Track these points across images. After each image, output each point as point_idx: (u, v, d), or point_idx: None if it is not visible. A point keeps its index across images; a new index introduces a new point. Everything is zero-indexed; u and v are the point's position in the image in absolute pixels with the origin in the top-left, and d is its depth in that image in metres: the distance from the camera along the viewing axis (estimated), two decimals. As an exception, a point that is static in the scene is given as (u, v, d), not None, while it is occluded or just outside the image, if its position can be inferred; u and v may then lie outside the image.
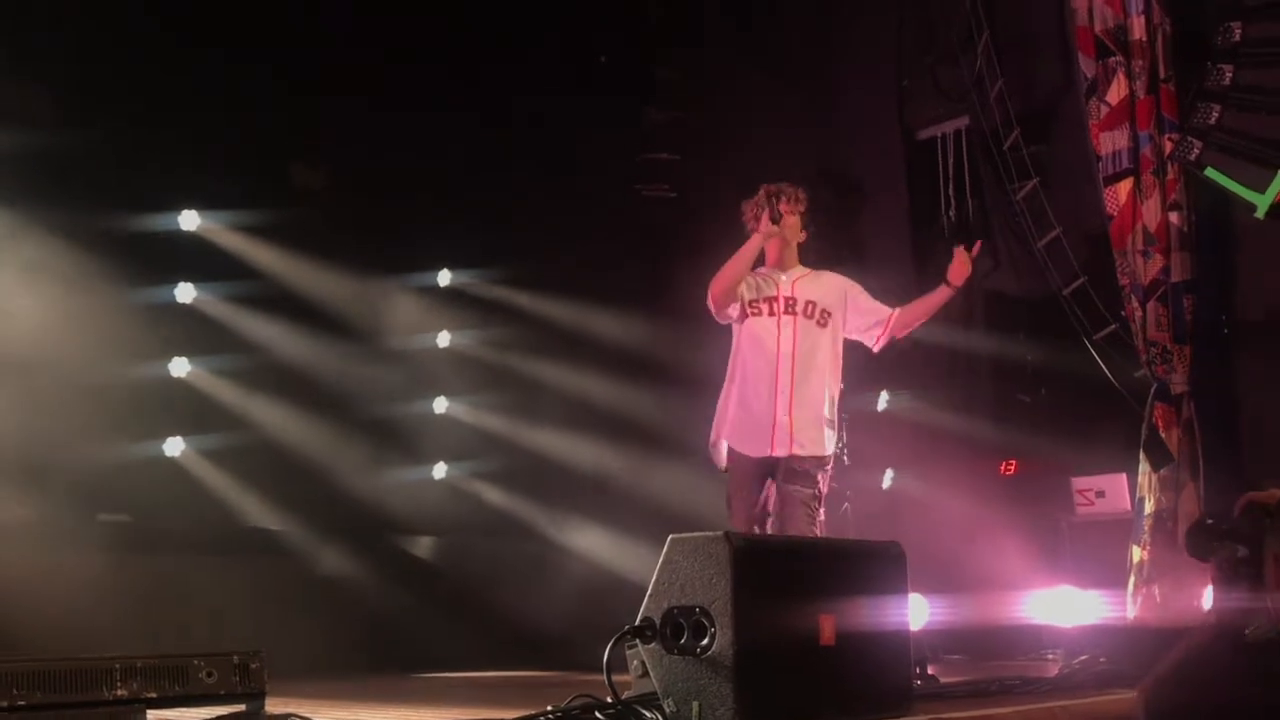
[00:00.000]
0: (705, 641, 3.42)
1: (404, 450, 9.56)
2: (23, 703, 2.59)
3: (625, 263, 10.35)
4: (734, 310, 5.49)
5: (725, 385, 5.56)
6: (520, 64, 9.73)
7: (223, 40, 8.17)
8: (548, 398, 9.83)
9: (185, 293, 8.75)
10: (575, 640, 7.00)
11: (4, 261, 7.60)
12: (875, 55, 9.65)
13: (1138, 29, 7.40)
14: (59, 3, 7.63)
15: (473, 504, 9.76)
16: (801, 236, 5.69)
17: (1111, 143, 7.50)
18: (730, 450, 5.47)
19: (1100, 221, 7.67)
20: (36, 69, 7.58)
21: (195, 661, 2.93)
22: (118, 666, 2.74)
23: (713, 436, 5.53)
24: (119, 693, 2.72)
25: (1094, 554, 7.50)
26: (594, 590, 8.70)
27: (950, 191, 9.15)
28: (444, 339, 10.11)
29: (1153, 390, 7.39)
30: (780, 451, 5.39)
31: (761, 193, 5.67)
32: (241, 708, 3.02)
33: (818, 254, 5.86)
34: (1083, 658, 5.57)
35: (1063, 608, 7.29)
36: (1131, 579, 7.19)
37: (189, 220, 8.75)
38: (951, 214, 9.15)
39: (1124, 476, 7.61)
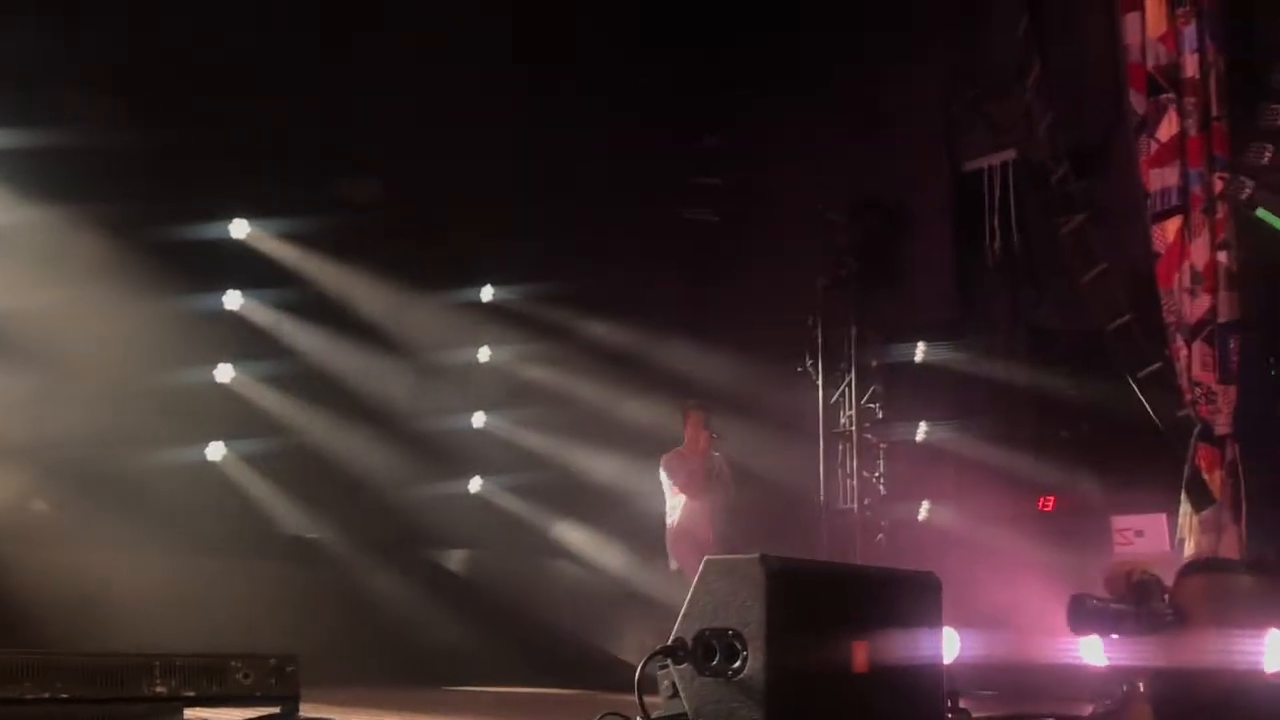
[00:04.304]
0: (737, 664, 3.42)
1: (441, 463, 9.62)
2: (65, 695, 2.64)
3: (667, 283, 10.39)
4: None
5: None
6: (572, 85, 9.82)
7: (279, 51, 8.29)
8: (584, 415, 9.87)
9: (233, 299, 8.88)
10: (605, 658, 7.01)
11: (58, 265, 7.73)
12: (923, 86, 9.65)
13: (1190, 66, 7.34)
14: (119, 10, 7.77)
15: (506, 518, 9.80)
16: None
17: (1161, 180, 7.43)
18: None
19: (1147, 259, 7.60)
20: (95, 72, 7.73)
21: (233, 663, 2.97)
22: (157, 664, 2.79)
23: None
24: (158, 690, 2.77)
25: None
26: (622, 609, 8.70)
27: (996, 223, 9.11)
28: (484, 354, 10.19)
29: (1196, 431, 7.29)
30: None
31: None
32: (276, 710, 3.05)
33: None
34: (1118, 697, 5.49)
35: (1098, 647, 7.19)
36: (1170, 621, 7.10)
37: (239, 228, 8.88)
38: (997, 246, 9.10)
39: (1164, 517, 7.51)
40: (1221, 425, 7.24)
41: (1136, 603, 3.31)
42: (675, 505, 7.97)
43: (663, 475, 8.05)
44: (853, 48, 10.09)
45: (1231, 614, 2.94)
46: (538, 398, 9.98)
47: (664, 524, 8.04)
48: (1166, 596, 3.11)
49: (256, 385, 8.81)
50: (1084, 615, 3.65)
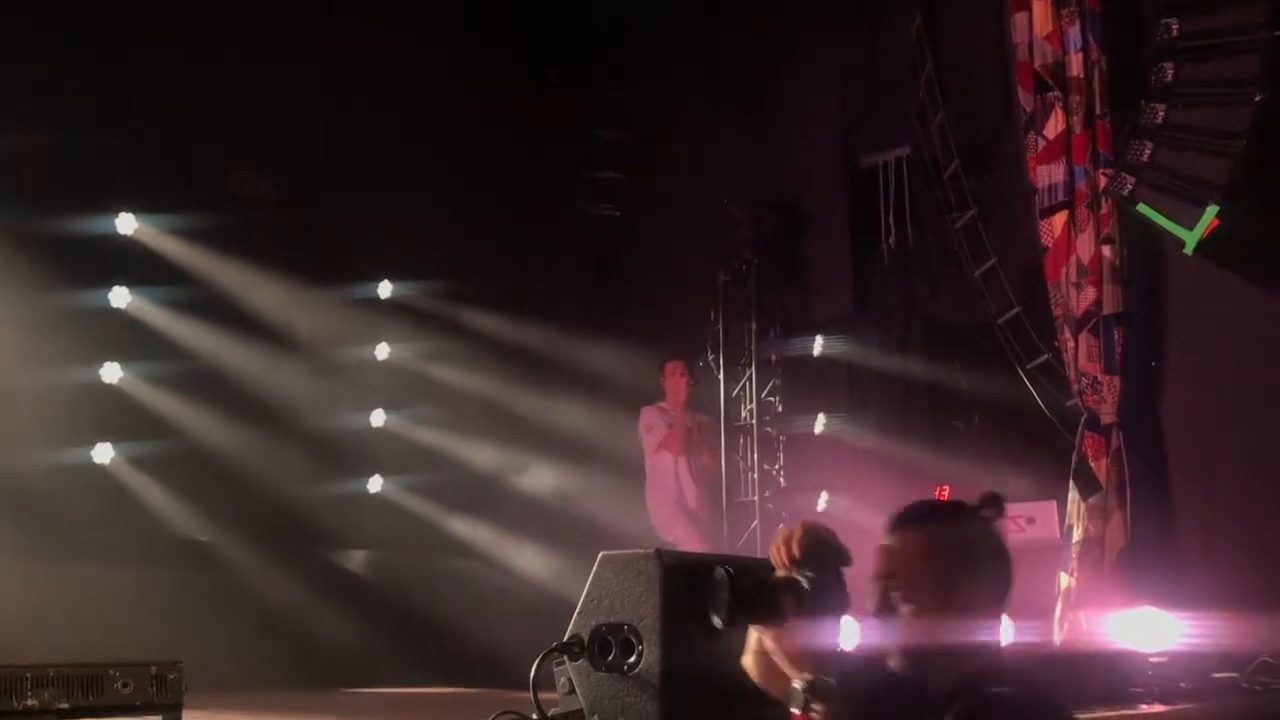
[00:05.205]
0: (633, 659, 3.41)
1: (339, 463, 9.46)
2: (-73, 711, 2.53)
3: (569, 279, 10.38)
4: None
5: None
6: (469, 77, 9.74)
7: (166, 43, 8.10)
8: (486, 413, 9.79)
9: (120, 297, 8.62)
10: (504, 657, 6.97)
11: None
12: (820, 82, 9.76)
13: (1075, 66, 7.55)
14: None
15: (406, 519, 9.67)
16: None
17: (1048, 176, 7.63)
18: None
19: (1035, 253, 7.79)
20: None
21: (111, 671, 2.88)
22: (29, 675, 2.68)
23: None
24: (29, 703, 2.66)
25: (1023, 580, 7.58)
26: (525, 607, 8.66)
27: (891, 219, 9.26)
28: (383, 351, 10.04)
29: (1083, 420, 7.51)
30: None
31: None
32: (158, 719, 2.97)
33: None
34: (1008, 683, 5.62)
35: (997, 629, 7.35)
36: (1059, 605, 7.29)
37: (126, 224, 8.63)
38: (892, 241, 9.25)
39: (1054, 504, 7.72)
40: (1107, 414, 7.46)
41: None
42: (655, 465, 7.60)
43: (641, 431, 7.69)
44: (751, 43, 10.18)
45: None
46: (438, 395, 9.87)
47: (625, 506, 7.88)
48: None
49: (145, 385, 8.56)
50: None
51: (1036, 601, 7.36)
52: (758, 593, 2.15)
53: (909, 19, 8.79)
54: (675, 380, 7.69)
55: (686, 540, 7.47)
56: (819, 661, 2.12)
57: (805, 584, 2.14)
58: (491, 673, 7.31)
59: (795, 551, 2.17)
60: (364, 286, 9.84)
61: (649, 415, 7.71)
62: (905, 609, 2.21)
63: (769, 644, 2.14)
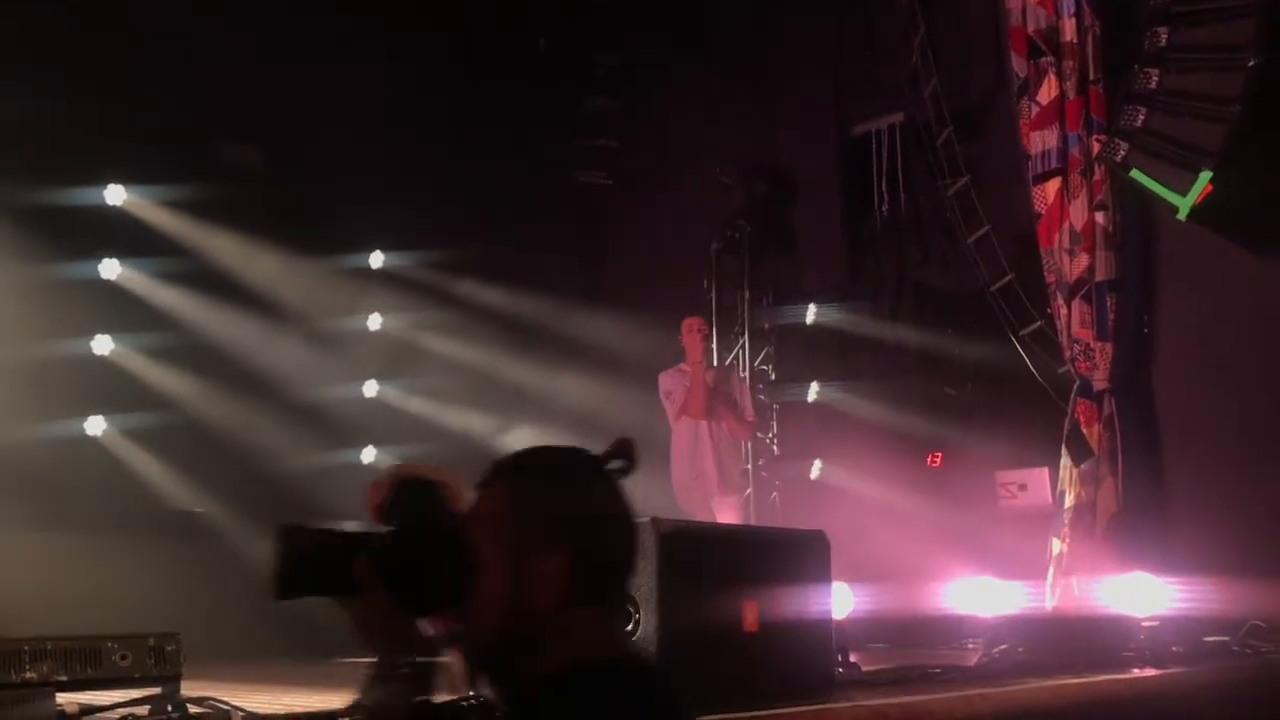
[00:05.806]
0: (630, 627, 3.44)
1: (333, 434, 9.45)
2: (-75, 684, 2.53)
3: (560, 248, 10.35)
4: None
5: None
6: (459, 46, 9.67)
7: (156, 13, 8.02)
8: (479, 383, 9.79)
9: (110, 269, 8.58)
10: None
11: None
12: (813, 49, 9.70)
13: (1069, 30, 7.51)
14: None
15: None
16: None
17: (1041, 142, 7.61)
18: None
19: (1028, 220, 7.78)
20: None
21: (109, 644, 2.88)
22: (26, 649, 2.68)
23: None
24: (28, 675, 2.66)
25: (1015, 546, 7.64)
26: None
27: (884, 186, 9.23)
28: (375, 321, 10.01)
29: (1075, 386, 7.53)
30: None
31: None
32: (156, 690, 2.97)
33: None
34: (1002, 647, 5.67)
35: (983, 597, 7.42)
36: (1051, 570, 7.34)
37: (115, 195, 8.57)
38: (885, 208, 9.24)
39: (1046, 471, 7.75)
40: (1099, 381, 7.48)
41: None
42: (678, 433, 7.26)
43: (661, 398, 7.29)
44: (743, 9, 10.11)
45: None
46: (431, 365, 9.85)
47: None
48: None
49: (136, 356, 8.53)
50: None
51: (1028, 567, 7.41)
52: (321, 556, 1.71)
53: (902, -17, 8.73)
54: (691, 337, 7.25)
55: (705, 510, 7.30)
56: (397, 640, 1.69)
57: (385, 541, 1.68)
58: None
59: (378, 501, 1.71)
60: (355, 256, 9.79)
61: (667, 380, 7.30)
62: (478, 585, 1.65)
63: (346, 618, 1.69)
